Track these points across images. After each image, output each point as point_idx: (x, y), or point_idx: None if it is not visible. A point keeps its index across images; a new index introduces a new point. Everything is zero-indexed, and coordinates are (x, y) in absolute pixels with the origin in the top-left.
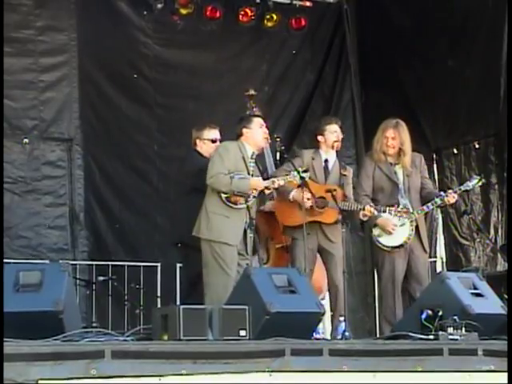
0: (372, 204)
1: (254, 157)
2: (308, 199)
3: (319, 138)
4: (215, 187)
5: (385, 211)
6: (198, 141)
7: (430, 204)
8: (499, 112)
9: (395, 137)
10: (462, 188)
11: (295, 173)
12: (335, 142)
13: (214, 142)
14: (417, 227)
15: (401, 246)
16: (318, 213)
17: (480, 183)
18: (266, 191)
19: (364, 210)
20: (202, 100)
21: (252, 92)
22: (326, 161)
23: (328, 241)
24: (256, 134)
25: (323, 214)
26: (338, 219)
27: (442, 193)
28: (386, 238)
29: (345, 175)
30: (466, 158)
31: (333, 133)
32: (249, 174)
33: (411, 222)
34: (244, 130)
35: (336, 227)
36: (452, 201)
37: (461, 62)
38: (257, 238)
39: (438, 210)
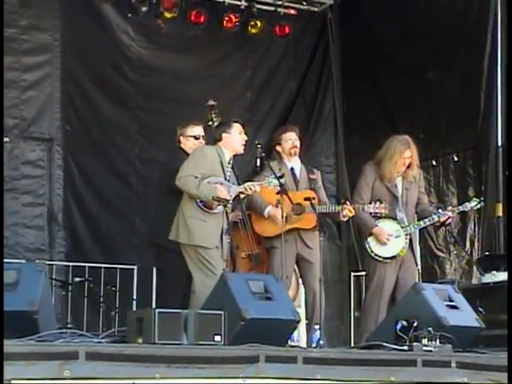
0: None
1: (231, 162)
2: (282, 217)
3: (277, 148)
4: (183, 188)
5: (366, 210)
6: (181, 138)
7: (426, 220)
8: (478, 125)
9: (411, 155)
10: (461, 209)
11: (271, 179)
12: (291, 148)
13: (197, 138)
14: (410, 240)
15: (393, 257)
16: (296, 219)
17: (478, 206)
18: (241, 196)
19: (343, 210)
20: (183, 104)
21: (212, 102)
22: (292, 169)
23: (306, 247)
24: (235, 139)
25: (301, 220)
26: (317, 225)
27: (439, 210)
28: (380, 248)
29: (314, 179)
30: (445, 171)
31: (287, 140)
32: (225, 179)
33: (406, 234)
34: (223, 135)
35: (314, 234)
36: (448, 221)
37: (441, 74)
38: (233, 243)
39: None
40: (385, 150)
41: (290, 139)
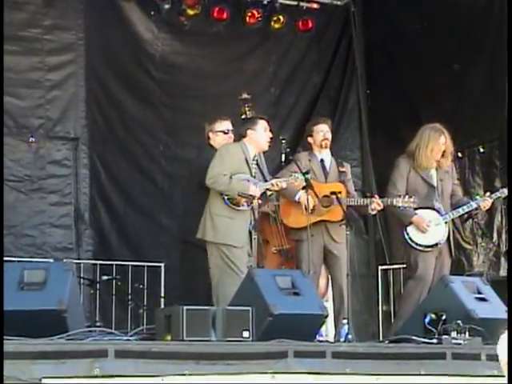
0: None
1: (255, 158)
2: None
3: (309, 139)
4: (214, 187)
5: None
6: (210, 134)
7: (465, 207)
8: (504, 116)
9: (446, 141)
10: (498, 194)
11: (297, 174)
12: (322, 140)
13: (226, 133)
14: (448, 231)
15: (434, 245)
16: (323, 212)
17: None
18: (268, 192)
19: (371, 203)
20: (207, 101)
21: (245, 96)
22: (322, 161)
23: (333, 241)
24: (260, 136)
25: (329, 213)
26: (344, 218)
27: (478, 197)
28: (421, 236)
29: (343, 172)
30: (470, 162)
31: (319, 132)
32: (251, 175)
33: (446, 222)
34: (249, 132)
35: (341, 227)
36: (487, 206)
37: (466, 66)
38: (261, 239)
39: None
40: (418, 140)
41: (322, 131)
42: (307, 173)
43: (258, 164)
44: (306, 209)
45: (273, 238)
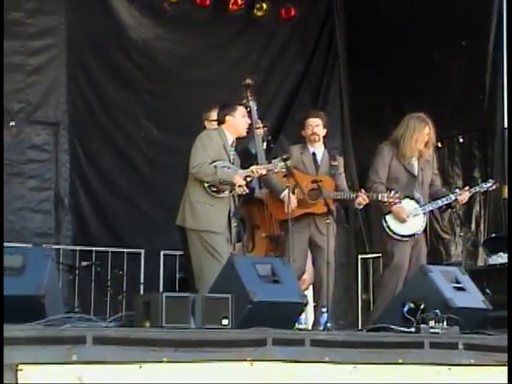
0: (383, 190)
1: (234, 144)
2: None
3: (302, 132)
4: (199, 177)
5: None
6: (206, 122)
7: (444, 199)
8: (484, 107)
9: (429, 132)
10: (477, 189)
11: (277, 161)
12: (311, 135)
13: None
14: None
15: (412, 235)
16: (311, 204)
17: (494, 187)
18: (248, 179)
19: (357, 197)
20: (190, 87)
21: (249, 81)
22: (314, 154)
23: (319, 233)
24: (239, 122)
25: (316, 206)
26: (331, 210)
27: (457, 190)
28: (399, 226)
29: (335, 165)
30: (450, 152)
31: (308, 126)
32: (230, 162)
33: (424, 213)
34: (227, 118)
35: (327, 218)
36: (465, 200)
37: (446, 56)
38: (241, 226)
39: None
40: (403, 129)
41: (311, 125)
42: (287, 159)
43: (236, 150)
44: (288, 208)
45: (264, 223)
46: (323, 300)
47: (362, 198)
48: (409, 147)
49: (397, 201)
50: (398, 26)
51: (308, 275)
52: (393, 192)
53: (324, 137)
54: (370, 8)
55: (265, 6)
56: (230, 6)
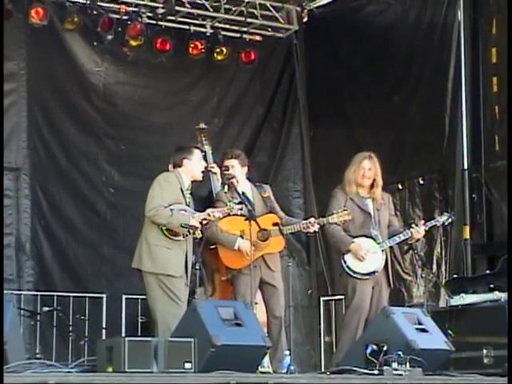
0: (340, 230)
1: (189, 188)
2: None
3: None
4: (155, 220)
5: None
6: (170, 166)
7: (401, 235)
8: (443, 148)
9: (371, 168)
10: (433, 222)
11: (232, 204)
12: (227, 180)
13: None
14: (386, 260)
15: (371, 273)
16: (264, 246)
17: (450, 220)
18: (204, 222)
19: (308, 227)
20: (151, 132)
21: (202, 125)
22: (244, 193)
23: (270, 271)
24: (196, 166)
25: (269, 246)
26: (283, 248)
27: (413, 225)
28: (358, 264)
29: (267, 197)
30: (411, 194)
31: (224, 170)
32: (186, 204)
33: (382, 250)
34: (185, 161)
35: (276, 256)
36: (420, 235)
37: (406, 98)
38: (203, 270)
39: None
40: (349, 167)
41: (226, 168)
42: (242, 202)
43: (191, 194)
44: (248, 254)
45: (222, 267)
46: (284, 342)
47: (312, 225)
48: (347, 180)
49: (347, 218)
50: (357, 70)
51: (262, 317)
52: (339, 210)
53: (246, 173)
54: (329, 51)
55: (225, 50)
56: (191, 50)
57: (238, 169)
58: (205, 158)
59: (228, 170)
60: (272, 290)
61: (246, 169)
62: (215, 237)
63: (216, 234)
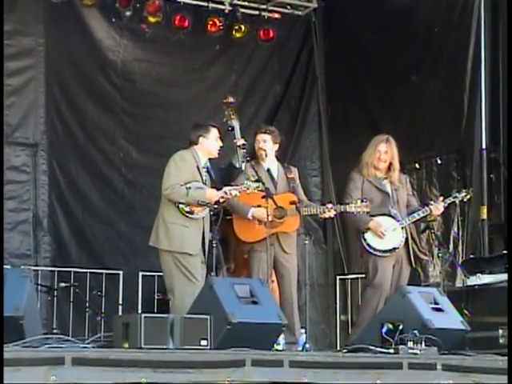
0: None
1: (206, 165)
2: (268, 215)
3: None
4: (171, 198)
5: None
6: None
7: (420, 212)
8: (461, 128)
9: (387, 151)
10: (452, 199)
11: (249, 182)
12: (258, 150)
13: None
14: (406, 239)
15: (392, 250)
16: (278, 223)
17: (468, 196)
18: (221, 200)
19: (325, 212)
20: (169, 109)
21: (231, 99)
22: (269, 170)
23: (283, 252)
24: (212, 144)
25: (284, 224)
26: (299, 228)
27: (431, 202)
28: (378, 241)
29: (292, 178)
30: (428, 174)
31: (256, 143)
32: (203, 182)
33: (402, 228)
34: (200, 139)
35: (292, 238)
36: (439, 211)
37: (424, 77)
38: (220, 248)
39: None
40: (366, 149)
41: (258, 141)
42: (259, 180)
43: (208, 171)
44: (262, 221)
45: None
46: (297, 321)
47: (329, 211)
48: (364, 163)
49: (365, 210)
50: (375, 48)
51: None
52: (359, 201)
53: (276, 150)
54: (348, 30)
55: (243, 27)
56: (209, 27)
57: (269, 144)
58: (233, 132)
59: (259, 144)
60: (284, 270)
61: (277, 146)
62: (231, 205)
63: (232, 202)
